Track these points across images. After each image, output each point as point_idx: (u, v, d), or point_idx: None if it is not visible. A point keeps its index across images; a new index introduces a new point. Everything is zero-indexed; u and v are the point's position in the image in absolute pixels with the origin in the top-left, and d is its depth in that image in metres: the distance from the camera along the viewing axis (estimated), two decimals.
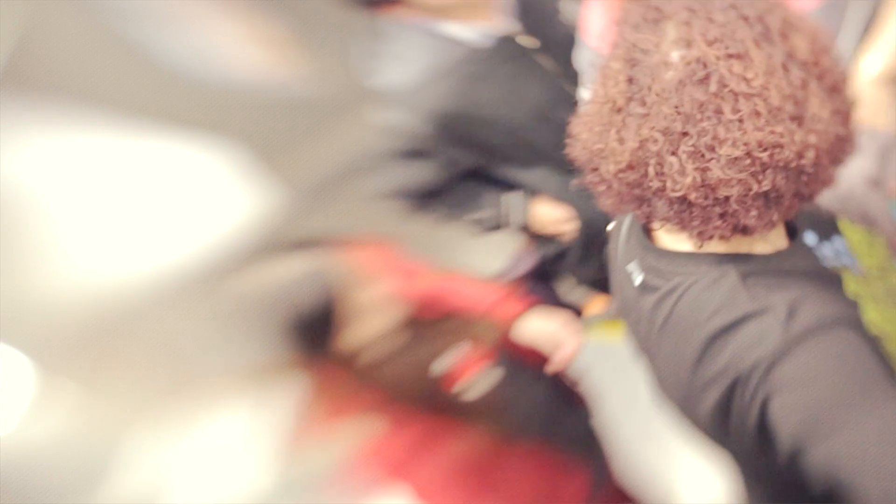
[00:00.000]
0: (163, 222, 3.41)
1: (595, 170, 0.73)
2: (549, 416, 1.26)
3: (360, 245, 1.15)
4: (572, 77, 1.35)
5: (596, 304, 1.95)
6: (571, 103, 1.36)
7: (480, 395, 1.14)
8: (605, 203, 0.75)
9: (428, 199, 1.51)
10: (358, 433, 1.03)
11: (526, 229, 1.54)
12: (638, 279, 0.81)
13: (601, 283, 1.60)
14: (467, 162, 1.45)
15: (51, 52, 2.45)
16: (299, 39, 2.71)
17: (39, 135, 2.69)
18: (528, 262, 1.66)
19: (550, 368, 1.28)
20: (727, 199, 0.63)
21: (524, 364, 1.27)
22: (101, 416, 3.99)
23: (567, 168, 1.43)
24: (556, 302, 1.43)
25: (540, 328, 1.28)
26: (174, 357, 3.78)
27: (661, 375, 0.83)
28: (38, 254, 3.25)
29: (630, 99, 0.65)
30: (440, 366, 1.13)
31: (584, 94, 1.26)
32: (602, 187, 0.73)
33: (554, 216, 1.52)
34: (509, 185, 1.52)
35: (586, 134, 0.72)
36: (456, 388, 1.13)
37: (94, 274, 3.48)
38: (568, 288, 1.66)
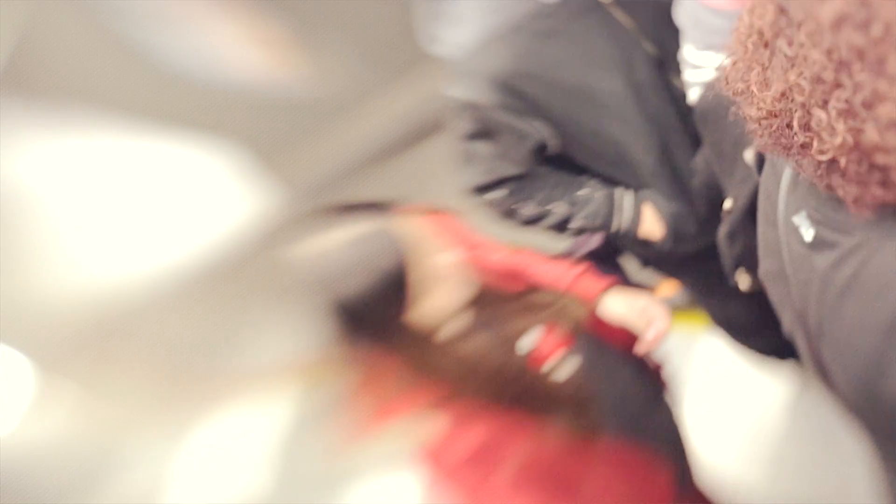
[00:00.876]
0: (162, 223, 3.41)
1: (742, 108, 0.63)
2: (634, 406, 1.13)
3: (423, 212, 1.00)
4: (652, 34, 1.21)
5: (666, 289, 1.82)
6: (652, 63, 1.21)
7: (567, 379, 1.01)
8: (759, 145, 0.65)
9: (512, 195, 1.31)
10: (414, 433, 0.92)
11: (627, 236, 1.34)
12: (808, 234, 0.69)
13: (667, 267, 1.45)
14: (543, 137, 1.24)
15: (51, 52, 2.45)
16: (299, 39, 2.71)
17: (39, 135, 2.69)
18: (595, 241, 1.50)
19: (641, 347, 1.14)
20: (886, 168, 0.53)
21: (609, 346, 1.15)
22: (101, 417, 3.99)
23: (655, 141, 1.24)
24: (626, 282, 1.28)
25: (628, 304, 1.15)
26: (174, 357, 3.78)
27: (835, 344, 0.72)
28: (38, 254, 3.25)
29: (778, 34, 0.56)
30: (526, 343, 1.01)
31: (689, 53, 1.11)
32: (751, 127, 0.63)
33: (655, 227, 1.34)
34: (593, 175, 1.32)
35: (731, 68, 0.63)
36: (545, 368, 1.01)
37: (94, 274, 3.48)
38: (633, 269, 1.54)
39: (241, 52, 2.71)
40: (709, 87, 0.99)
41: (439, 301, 0.92)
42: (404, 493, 2.24)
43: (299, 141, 3.19)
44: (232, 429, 3.50)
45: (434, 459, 0.93)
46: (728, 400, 1.77)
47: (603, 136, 1.25)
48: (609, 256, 1.51)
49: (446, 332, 0.95)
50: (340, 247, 0.89)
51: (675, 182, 1.28)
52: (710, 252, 1.22)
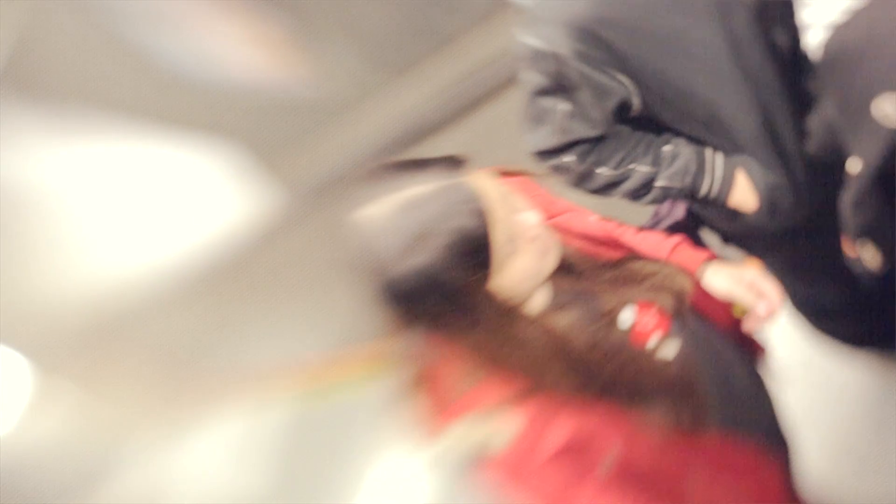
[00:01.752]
0: (162, 223, 3.41)
1: None
2: (740, 393, 0.99)
3: (498, 172, 0.85)
4: None
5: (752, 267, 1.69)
6: (751, 10, 1.06)
7: (671, 360, 0.87)
8: None
9: (588, 158, 1.16)
10: (487, 432, 0.78)
11: (715, 203, 1.19)
12: None
13: (752, 243, 1.31)
14: (626, 94, 1.10)
15: (51, 52, 2.45)
16: (299, 39, 2.71)
17: (39, 135, 2.68)
18: (678, 211, 1.34)
19: (750, 324, 1.02)
20: None
21: (712, 324, 1.01)
22: (100, 417, 3.99)
23: (756, 100, 1.08)
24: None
25: (734, 277, 1.02)
26: (174, 357, 3.78)
27: None
28: (37, 255, 3.25)
29: None
30: (625, 318, 0.87)
31: None
32: None
33: (748, 196, 1.18)
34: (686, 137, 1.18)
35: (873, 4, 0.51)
36: (648, 346, 0.87)
37: (93, 275, 3.47)
38: (713, 247, 1.40)
39: (241, 52, 2.71)
40: (836, 28, 0.86)
41: (525, 267, 0.79)
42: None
43: (299, 141, 3.19)
44: (232, 429, 3.50)
45: (511, 461, 0.78)
46: (811, 390, 1.66)
47: (694, 94, 1.10)
48: (692, 231, 1.35)
49: (534, 304, 0.83)
50: (411, 204, 0.75)
51: (776, 149, 1.14)
52: (802, 228, 1.15)
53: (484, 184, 0.78)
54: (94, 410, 3.95)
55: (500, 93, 2.64)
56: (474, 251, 0.74)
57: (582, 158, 1.16)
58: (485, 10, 2.70)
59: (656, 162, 1.16)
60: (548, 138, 1.16)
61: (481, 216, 0.75)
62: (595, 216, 1.06)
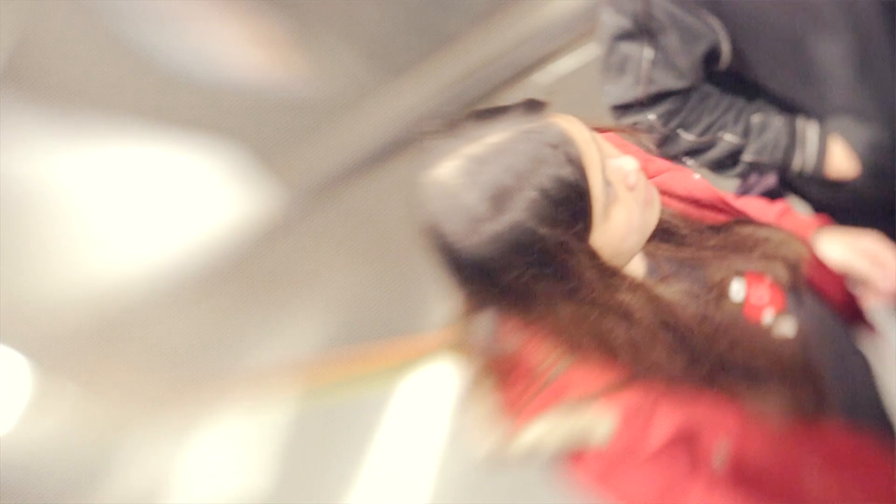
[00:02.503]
0: (162, 222, 3.41)
1: None
2: (856, 376, 0.88)
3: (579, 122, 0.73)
4: None
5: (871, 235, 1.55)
6: None
7: (788, 339, 0.76)
8: None
9: (673, 116, 1.05)
10: (578, 427, 0.68)
11: (813, 177, 1.08)
12: None
13: (848, 214, 1.17)
14: (717, 41, 1.00)
15: (51, 52, 2.45)
16: (299, 39, 2.71)
17: (40, 135, 2.68)
18: (770, 179, 1.22)
19: (870, 298, 0.91)
20: None
21: (827, 299, 0.90)
22: (100, 417, 3.99)
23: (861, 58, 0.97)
24: None
25: (851, 246, 0.91)
26: (174, 357, 3.78)
27: None
28: (37, 255, 3.25)
29: None
30: (736, 290, 0.78)
31: None
32: None
33: (846, 163, 1.06)
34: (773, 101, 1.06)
35: None
36: (763, 322, 0.76)
37: (93, 275, 3.47)
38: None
39: (241, 52, 2.71)
40: None
41: (627, 219, 0.69)
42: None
43: (299, 141, 3.19)
44: (232, 429, 3.50)
45: (610, 458, 0.69)
46: None
47: (790, 38, 0.99)
48: (782, 198, 1.20)
49: (637, 269, 0.73)
50: (492, 154, 0.64)
51: (875, 101, 1.03)
52: None
53: (572, 126, 0.68)
54: (95, 410, 3.96)
55: (501, 93, 2.64)
56: (571, 200, 0.64)
57: (666, 119, 1.06)
58: (485, 10, 2.70)
59: (746, 133, 1.06)
60: (629, 90, 1.05)
61: (575, 160, 0.65)
62: (698, 175, 0.93)
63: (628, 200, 0.69)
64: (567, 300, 0.67)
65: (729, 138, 1.06)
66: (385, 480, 2.53)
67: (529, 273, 0.65)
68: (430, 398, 2.68)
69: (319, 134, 3.17)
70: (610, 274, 0.68)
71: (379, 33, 2.66)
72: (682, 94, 1.05)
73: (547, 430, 0.68)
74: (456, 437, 2.44)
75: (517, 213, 0.63)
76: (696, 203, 0.86)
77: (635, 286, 0.69)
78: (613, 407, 0.67)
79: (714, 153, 1.08)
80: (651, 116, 1.06)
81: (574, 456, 0.69)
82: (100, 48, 2.52)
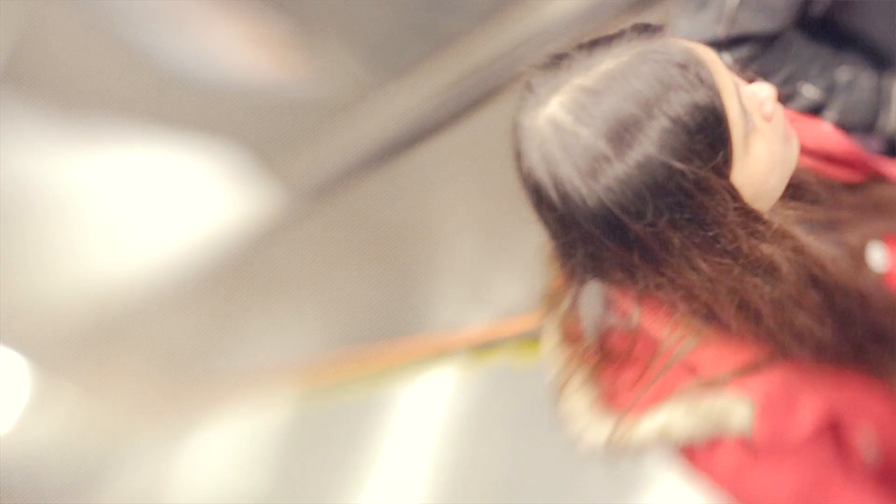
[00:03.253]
0: (161, 223, 3.41)
1: None
2: None
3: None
4: None
5: None
6: None
7: None
8: None
9: (754, 61, 0.95)
10: (710, 414, 0.59)
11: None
12: None
13: None
14: None
15: (51, 52, 2.44)
16: (299, 39, 2.71)
17: (39, 135, 2.68)
18: (871, 144, 1.11)
19: None
20: None
21: None
22: (100, 417, 3.99)
23: None
24: None
25: None
26: (173, 358, 3.78)
27: None
28: (37, 254, 3.25)
29: None
30: (878, 257, 0.68)
31: None
32: None
33: None
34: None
35: None
36: None
37: (93, 275, 3.47)
38: None
39: (241, 52, 2.70)
40: None
41: (768, 152, 0.60)
42: None
43: (299, 141, 3.19)
44: (232, 430, 3.50)
45: (749, 449, 0.59)
46: None
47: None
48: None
49: (777, 215, 0.62)
50: (609, 82, 0.55)
51: None
52: None
53: (696, 46, 0.59)
54: (95, 410, 3.95)
55: (501, 93, 2.64)
56: (709, 127, 0.55)
57: (743, 64, 0.95)
58: (485, 10, 2.70)
59: (830, 88, 0.95)
60: (708, 28, 0.93)
61: (708, 82, 0.56)
62: (829, 125, 0.83)
63: (767, 131, 0.61)
64: (706, 253, 0.57)
65: (809, 93, 0.96)
66: (385, 481, 2.52)
67: (663, 221, 0.56)
68: (430, 399, 2.67)
69: (319, 134, 3.17)
70: (754, 219, 0.59)
71: (379, 33, 2.66)
72: (766, 39, 0.93)
73: (673, 417, 0.60)
74: (456, 436, 2.43)
75: (646, 146, 0.54)
76: (828, 157, 0.76)
77: (782, 234, 0.59)
78: (750, 390, 0.59)
79: (791, 106, 0.97)
80: (725, 58, 0.94)
81: (705, 448, 0.60)
82: (100, 48, 2.52)
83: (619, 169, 0.54)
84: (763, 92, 0.61)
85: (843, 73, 0.96)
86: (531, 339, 2.39)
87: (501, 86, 2.75)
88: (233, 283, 3.50)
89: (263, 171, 3.28)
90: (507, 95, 2.38)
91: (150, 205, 3.26)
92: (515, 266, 2.43)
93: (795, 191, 0.69)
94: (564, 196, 0.56)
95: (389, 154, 3.16)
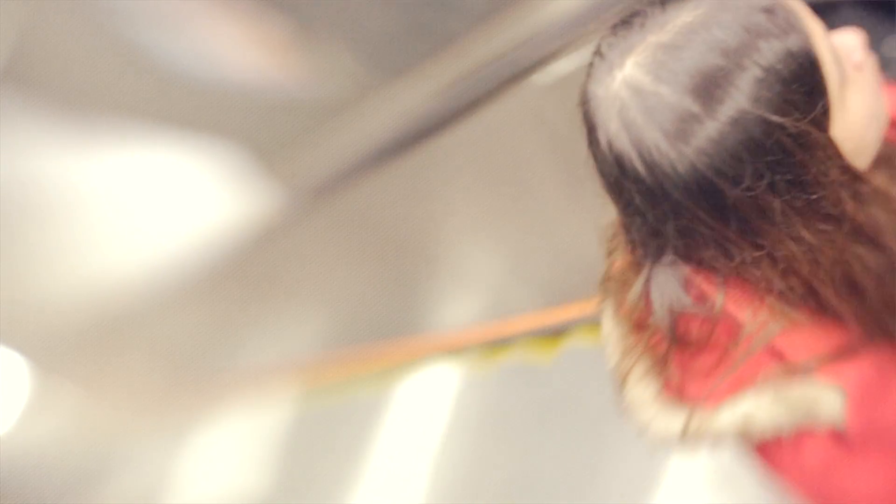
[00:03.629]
0: (161, 224, 3.41)
1: None
2: None
3: None
4: None
5: None
6: None
7: None
8: None
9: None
10: (800, 401, 0.54)
11: None
12: None
13: None
14: None
15: (51, 52, 2.44)
16: (299, 39, 2.71)
17: (39, 135, 2.68)
18: None
19: None
20: None
21: None
22: (100, 417, 3.98)
23: None
24: None
25: None
26: (173, 358, 3.78)
27: None
28: (37, 255, 3.25)
29: None
30: None
31: None
32: None
33: None
34: None
35: None
36: None
37: (93, 275, 3.47)
38: None
39: (241, 52, 2.70)
40: None
41: (863, 104, 0.54)
42: None
43: (299, 141, 3.19)
44: (232, 429, 3.50)
45: (842, 440, 0.54)
46: None
47: None
48: None
49: (875, 176, 0.56)
50: (689, 35, 0.50)
51: None
52: None
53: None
54: (95, 410, 3.95)
55: (500, 93, 2.64)
56: (804, 75, 0.50)
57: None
58: (485, 10, 2.70)
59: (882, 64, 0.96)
60: None
61: (798, 27, 0.51)
62: None
63: (860, 81, 0.56)
64: (808, 220, 0.51)
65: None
66: (384, 481, 2.52)
67: (763, 185, 0.50)
68: (433, 398, 2.67)
69: (319, 134, 3.17)
70: (856, 178, 0.53)
71: (379, 33, 2.66)
72: (819, 6, 0.87)
73: (758, 406, 0.55)
74: (461, 435, 2.43)
75: (739, 100, 0.49)
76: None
77: (885, 196, 0.54)
78: (842, 377, 0.54)
79: None
80: None
81: (791, 440, 0.55)
82: (100, 48, 2.52)
83: (711, 127, 0.49)
84: (852, 40, 0.56)
85: (891, 43, 0.93)
86: (542, 336, 2.39)
87: (501, 85, 2.75)
88: (233, 283, 3.50)
89: (263, 171, 3.28)
90: (507, 95, 2.38)
91: (149, 205, 3.26)
92: (518, 264, 2.43)
93: (879, 159, 0.63)
94: (651, 165, 0.51)
95: (389, 154, 3.17)
